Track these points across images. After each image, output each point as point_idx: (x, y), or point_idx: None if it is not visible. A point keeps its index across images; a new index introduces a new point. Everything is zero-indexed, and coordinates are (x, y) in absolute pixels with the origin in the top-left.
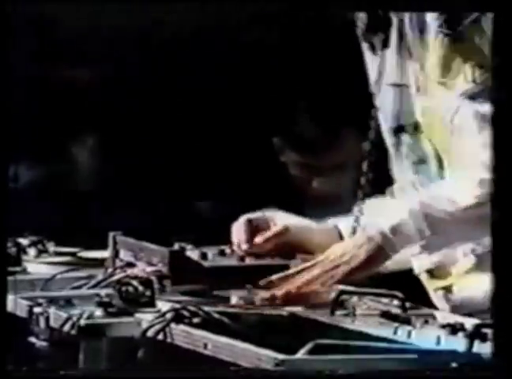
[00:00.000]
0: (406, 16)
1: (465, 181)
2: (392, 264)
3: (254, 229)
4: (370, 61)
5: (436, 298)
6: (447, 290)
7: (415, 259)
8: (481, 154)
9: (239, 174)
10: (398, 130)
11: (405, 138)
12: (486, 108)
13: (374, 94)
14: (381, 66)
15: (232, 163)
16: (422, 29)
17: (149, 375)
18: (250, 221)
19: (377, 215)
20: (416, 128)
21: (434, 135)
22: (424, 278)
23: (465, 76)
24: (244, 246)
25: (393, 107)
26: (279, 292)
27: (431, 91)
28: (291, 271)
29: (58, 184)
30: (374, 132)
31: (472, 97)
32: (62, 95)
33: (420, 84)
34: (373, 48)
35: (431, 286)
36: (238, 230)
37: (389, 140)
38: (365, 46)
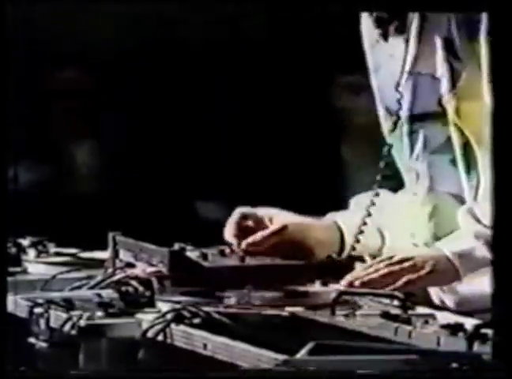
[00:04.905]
0: (452, 17)
1: None
2: None
3: (245, 225)
4: (372, 51)
5: (441, 295)
6: None
7: None
8: None
9: (240, 173)
10: (417, 118)
11: (421, 127)
12: None
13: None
14: (392, 53)
15: (233, 163)
16: (470, 33)
17: (150, 376)
18: (243, 217)
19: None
20: (437, 116)
21: (473, 125)
22: None
23: None
24: (234, 241)
25: (410, 95)
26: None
27: (475, 90)
28: (367, 264)
29: (59, 184)
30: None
31: None
32: (61, 96)
33: (462, 82)
34: (385, 35)
35: None
36: (229, 226)
37: (389, 126)
38: (375, 32)
